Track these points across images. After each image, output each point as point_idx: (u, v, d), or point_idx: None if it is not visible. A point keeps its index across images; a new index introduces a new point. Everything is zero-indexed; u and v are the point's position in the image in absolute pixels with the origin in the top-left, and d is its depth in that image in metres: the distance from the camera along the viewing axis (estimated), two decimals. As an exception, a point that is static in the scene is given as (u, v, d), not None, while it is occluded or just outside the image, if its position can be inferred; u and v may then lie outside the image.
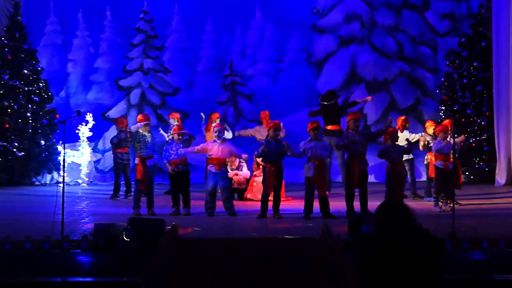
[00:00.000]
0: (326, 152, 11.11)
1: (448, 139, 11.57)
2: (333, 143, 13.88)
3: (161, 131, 14.21)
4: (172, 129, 12.20)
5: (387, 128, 11.24)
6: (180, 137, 11.49)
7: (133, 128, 11.61)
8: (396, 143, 11.41)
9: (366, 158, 11.15)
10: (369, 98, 15.04)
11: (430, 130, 12.85)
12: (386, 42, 18.61)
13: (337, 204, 11.83)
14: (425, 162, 12.99)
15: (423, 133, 13.13)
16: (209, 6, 18.71)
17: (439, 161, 11.62)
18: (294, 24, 18.72)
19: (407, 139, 12.88)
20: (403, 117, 13.67)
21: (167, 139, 13.64)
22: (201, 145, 11.55)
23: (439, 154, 11.63)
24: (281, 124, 12.91)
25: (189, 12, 18.85)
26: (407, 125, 13.47)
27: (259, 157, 11.34)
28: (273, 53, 18.90)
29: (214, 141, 11.43)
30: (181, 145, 11.42)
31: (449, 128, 11.77)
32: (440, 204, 11.50)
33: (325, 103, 14.28)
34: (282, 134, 12.37)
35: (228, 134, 14.06)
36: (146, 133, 11.42)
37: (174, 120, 13.80)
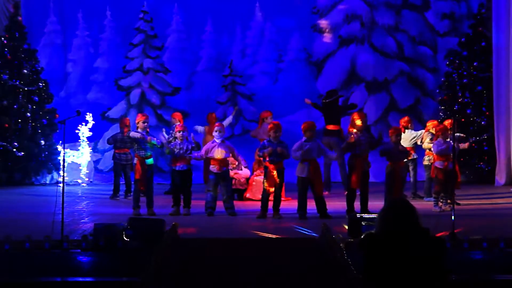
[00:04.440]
0: (319, 153, 11.09)
1: (448, 139, 11.55)
2: (332, 143, 13.88)
3: (164, 133, 14.12)
4: (175, 128, 12.18)
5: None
6: (180, 134, 11.49)
7: (131, 135, 11.57)
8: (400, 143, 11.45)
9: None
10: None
11: (434, 130, 12.85)
12: (386, 42, 18.61)
13: (337, 204, 11.84)
14: (425, 163, 12.99)
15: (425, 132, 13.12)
16: (209, 6, 18.70)
17: (439, 161, 11.62)
18: (294, 24, 18.72)
19: (414, 142, 12.96)
20: (405, 118, 13.65)
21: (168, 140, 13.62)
22: (203, 149, 11.55)
23: (439, 154, 11.62)
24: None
25: (189, 12, 18.84)
26: (410, 125, 13.46)
27: (262, 157, 11.34)
28: (273, 53, 18.90)
29: (214, 141, 11.44)
30: (185, 146, 11.40)
31: (449, 128, 11.77)
32: (440, 204, 11.50)
33: (325, 100, 14.32)
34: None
35: (229, 119, 14.25)
36: (143, 131, 11.38)
37: (176, 120, 13.78)
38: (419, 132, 13.32)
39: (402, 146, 11.54)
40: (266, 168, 11.08)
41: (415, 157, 13.19)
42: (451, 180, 11.07)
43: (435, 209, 11.37)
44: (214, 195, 11.30)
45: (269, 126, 11.42)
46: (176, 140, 11.62)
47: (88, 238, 8.42)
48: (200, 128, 14.40)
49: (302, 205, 10.85)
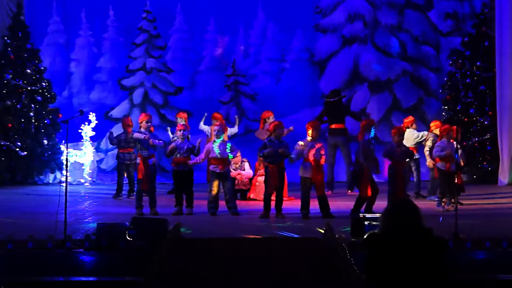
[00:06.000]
0: (322, 153, 11.06)
1: (451, 140, 11.52)
2: (339, 143, 13.87)
3: (169, 132, 14.07)
4: (177, 127, 12.17)
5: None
6: (181, 133, 11.47)
7: (135, 136, 11.58)
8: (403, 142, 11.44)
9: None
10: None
11: (437, 130, 12.87)
12: (389, 41, 18.59)
13: (340, 204, 11.83)
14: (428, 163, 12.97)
15: (427, 133, 13.10)
16: (212, 5, 18.71)
17: (441, 163, 11.59)
18: (297, 24, 18.71)
19: (417, 142, 12.97)
20: (409, 119, 13.62)
21: (173, 139, 13.60)
22: (204, 151, 11.50)
23: (439, 158, 11.60)
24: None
25: (192, 12, 18.85)
26: (411, 125, 13.42)
27: (262, 157, 11.29)
28: (275, 52, 18.90)
29: (214, 141, 11.43)
30: (185, 146, 11.40)
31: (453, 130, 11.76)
32: (443, 204, 11.48)
33: (330, 99, 14.32)
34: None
35: (234, 129, 14.14)
36: (146, 131, 11.37)
37: (181, 120, 13.75)
38: (421, 133, 13.28)
39: (405, 146, 11.52)
40: (266, 168, 11.06)
41: (417, 157, 13.17)
42: (454, 180, 11.06)
43: (438, 208, 11.35)
44: (216, 195, 11.30)
45: (270, 125, 11.41)
46: (177, 139, 11.61)
47: (91, 238, 8.42)
48: (205, 128, 14.32)
49: (305, 205, 10.84)
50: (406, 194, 11.89)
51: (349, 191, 14.14)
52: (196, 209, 11.43)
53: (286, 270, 7.66)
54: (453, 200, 11.24)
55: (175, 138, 12.29)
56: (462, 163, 11.89)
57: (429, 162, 12.61)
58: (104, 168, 18.27)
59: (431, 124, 13.31)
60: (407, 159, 11.74)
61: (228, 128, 13.94)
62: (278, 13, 18.73)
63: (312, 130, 10.86)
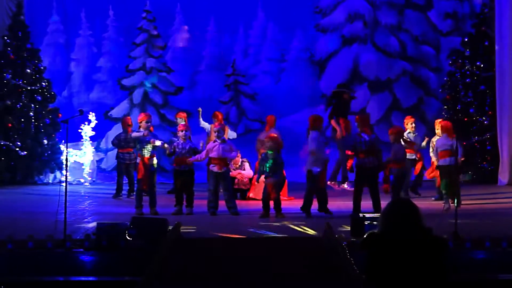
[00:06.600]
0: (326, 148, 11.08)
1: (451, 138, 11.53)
2: (338, 142, 13.83)
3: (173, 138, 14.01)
4: (178, 127, 12.15)
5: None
6: (183, 133, 11.47)
7: (133, 135, 11.58)
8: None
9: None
10: None
11: (438, 131, 12.91)
12: (388, 41, 18.60)
13: (339, 204, 11.83)
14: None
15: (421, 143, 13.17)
16: (212, 5, 18.72)
17: (443, 159, 11.56)
18: (297, 24, 18.72)
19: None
20: (408, 119, 13.58)
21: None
22: (203, 151, 11.50)
23: (442, 150, 11.61)
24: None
25: (191, 12, 18.86)
26: (408, 125, 13.35)
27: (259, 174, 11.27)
28: (275, 52, 18.91)
29: (215, 140, 11.44)
30: (187, 146, 11.39)
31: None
32: (444, 203, 11.46)
33: (332, 101, 14.28)
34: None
35: (232, 134, 14.07)
36: (145, 130, 11.36)
37: (181, 120, 13.73)
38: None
39: (401, 146, 11.51)
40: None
41: (413, 157, 13.13)
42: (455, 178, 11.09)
43: (445, 205, 11.34)
44: (215, 194, 11.30)
45: (265, 139, 11.37)
46: (179, 139, 11.61)
47: (91, 238, 8.42)
48: (206, 125, 14.25)
49: (307, 204, 10.80)
50: (406, 194, 11.91)
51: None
52: (196, 209, 11.43)
53: (286, 270, 7.65)
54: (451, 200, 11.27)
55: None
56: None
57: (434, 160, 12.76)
58: (104, 168, 18.28)
59: (436, 122, 13.35)
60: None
61: (229, 130, 13.92)
62: (278, 13, 18.75)
63: (315, 121, 10.87)
